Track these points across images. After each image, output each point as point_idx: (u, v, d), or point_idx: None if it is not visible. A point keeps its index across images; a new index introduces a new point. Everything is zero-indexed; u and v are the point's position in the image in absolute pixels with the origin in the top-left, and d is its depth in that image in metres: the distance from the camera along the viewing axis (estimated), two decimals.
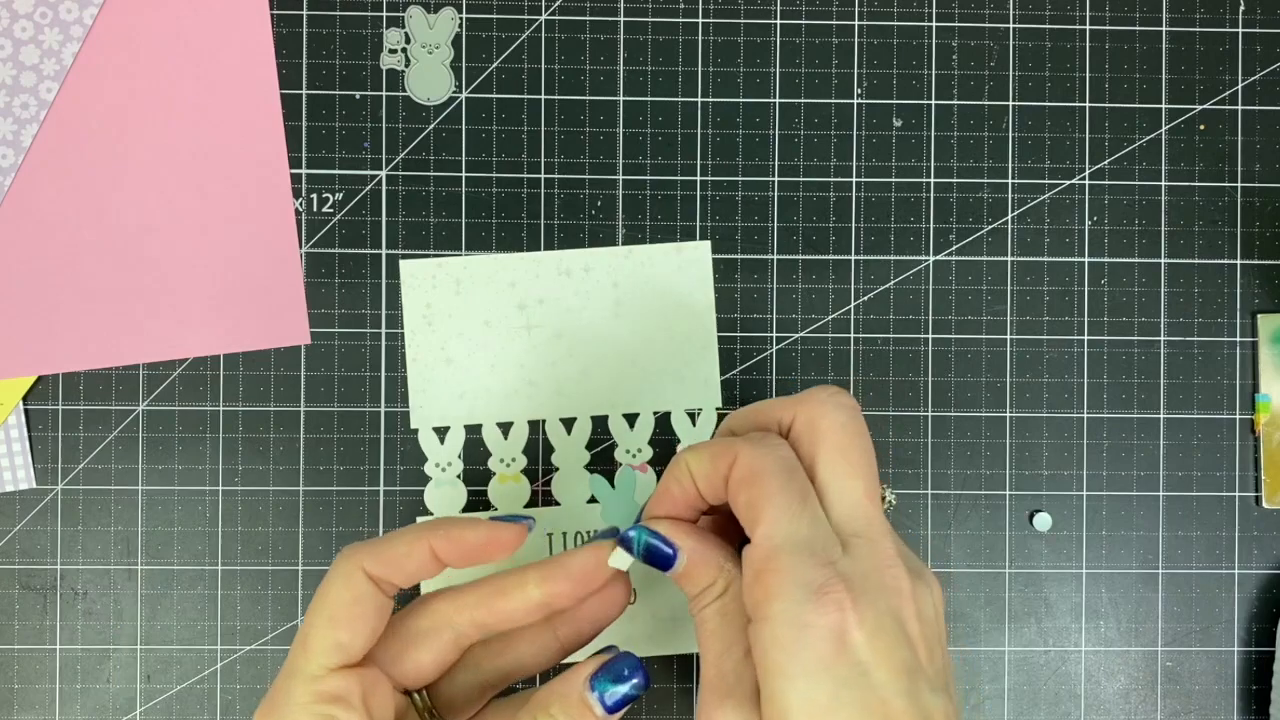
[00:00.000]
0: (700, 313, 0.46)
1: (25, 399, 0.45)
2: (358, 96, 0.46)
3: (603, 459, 0.46)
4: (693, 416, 0.46)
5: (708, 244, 0.46)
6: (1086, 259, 0.47)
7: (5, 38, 0.45)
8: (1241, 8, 0.47)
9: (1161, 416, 0.47)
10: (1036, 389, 0.46)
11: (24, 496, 0.45)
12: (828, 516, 0.35)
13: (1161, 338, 0.47)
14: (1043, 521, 0.46)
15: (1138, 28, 0.47)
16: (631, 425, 0.46)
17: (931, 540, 0.46)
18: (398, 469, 0.46)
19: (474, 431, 0.46)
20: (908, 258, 0.46)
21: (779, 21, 0.46)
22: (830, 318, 0.46)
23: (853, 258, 0.46)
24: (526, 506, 0.46)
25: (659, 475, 0.45)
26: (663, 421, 0.46)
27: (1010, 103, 0.47)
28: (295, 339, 0.46)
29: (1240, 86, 0.47)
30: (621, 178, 0.46)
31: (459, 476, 0.46)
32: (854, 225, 0.46)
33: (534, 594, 0.37)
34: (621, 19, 0.46)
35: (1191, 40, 0.47)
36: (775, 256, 0.46)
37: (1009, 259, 0.47)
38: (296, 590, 0.46)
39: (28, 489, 0.45)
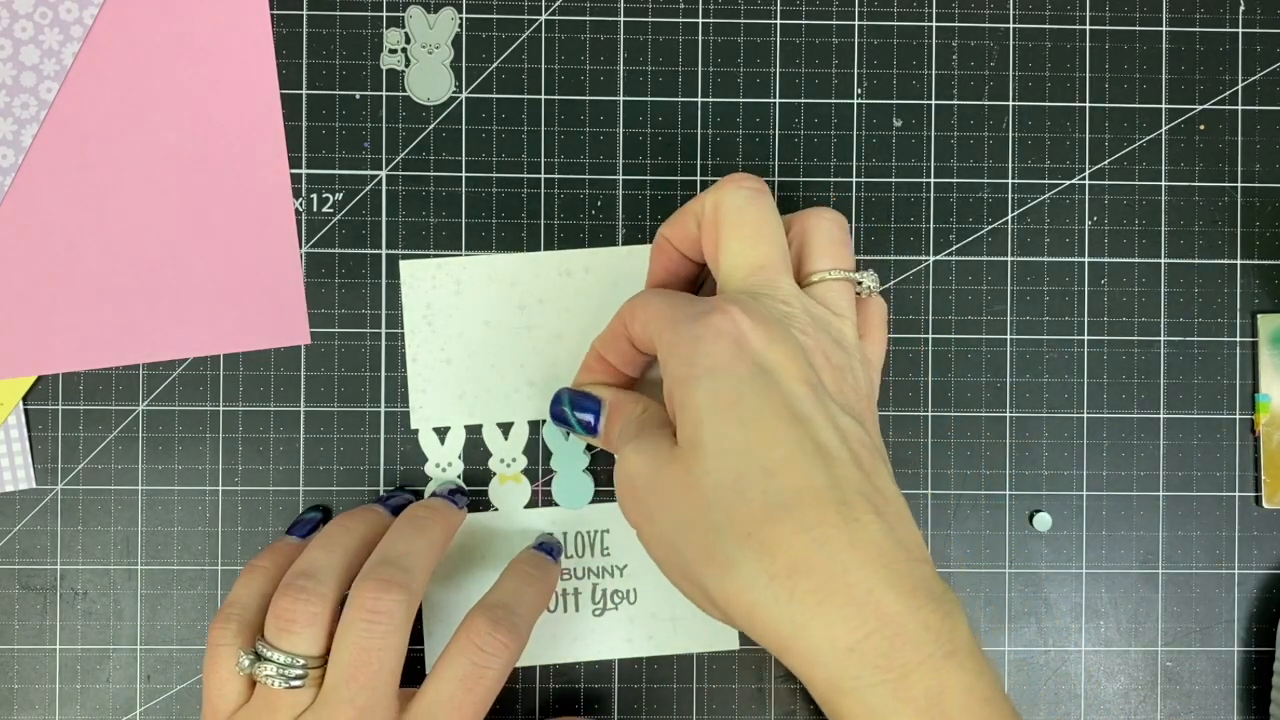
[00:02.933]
0: None
1: (25, 399, 0.45)
2: (358, 96, 0.46)
3: (602, 459, 0.46)
4: None
5: None
6: (1086, 259, 0.47)
7: (5, 38, 0.45)
8: (1241, 8, 0.47)
9: (1161, 416, 0.47)
10: (1036, 389, 0.46)
11: (24, 496, 0.45)
12: (724, 290, 0.37)
13: (1161, 338, 0.47)
14: (1043, 521, 0.46)
15: (1138, 28, 0.47)
16: None
17: (931, 540, 0.46)
18: (398, 469, 0.46)
19: (474, 432, 0.46)
20: (908, 258, 0.46)
21: (779, 21, 0.46)
22: None
23: None
24: (527, 507, 0.46)
25: None
26: None
27: (1010, 103, 0.47)
28: (295, 339, 0.46)
29: (1240, 86, 0.47)
30: (621, 178, 0.46)
31: (459, 477, 0.46)
32: (854, 225, 0.46)
33: None
34: (621, 19, 0.46)
35: (1191, 40, 0.47)
36: None
37: (1009, 259, 0.47)
38: None
39: (28, 489, 0.45)
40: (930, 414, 0.46)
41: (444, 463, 0.46)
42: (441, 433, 0.45)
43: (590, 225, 0.46)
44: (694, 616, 0.45)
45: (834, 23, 0.46)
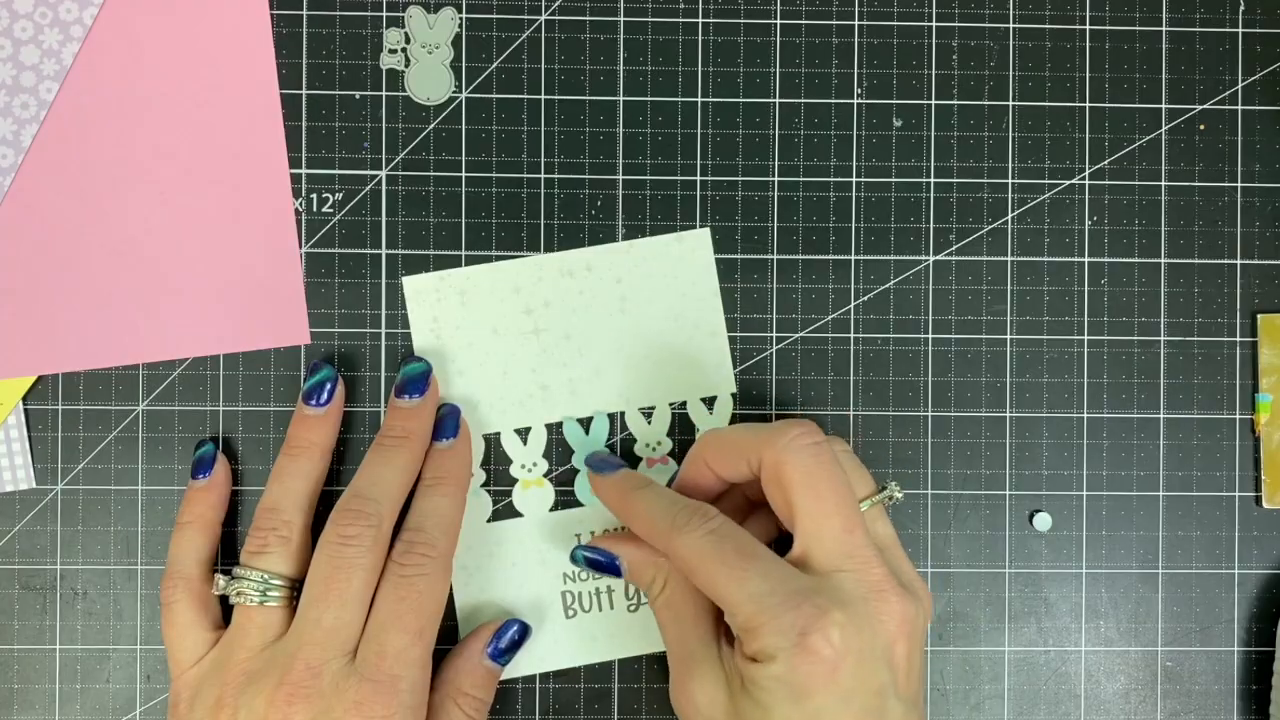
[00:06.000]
0: (706, 299, 0.46)
1: (25, 399, 0.45)
2: (358, 96, 0.46)
3: (623, 455, 0.46)
4: (709, 404, 0.46)
5: (707, 231, 0.46)
6: (1086, 259, 0.47)
7: (5, 38, 0.45)
8: (1241, 8, 0.47)
9: (1161, 416, 0.47)
10: (1036, 389, 0.46)
11: (24, 496, 0.45)
12: (811, 556, 0.38)
13: (1161, 338, 0.47)
14: (1043, 521, 0.46)
15: (1138, 28, 0.47)
16: (649, 419, 0.46)
17: (931, 540, 0.46)
18: None
19: (493, 439, 0.46)
20: (908, 258, 0.46)
21: (779, 21, 0.46)
22: (830, 318, 0.46)
23: (853, 258, 0.46)
24: (552, 510, 0.46)
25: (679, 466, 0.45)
26: (679, 413, 0.46)
27: (1010, 103, 0.47)
28: (295, 339, 0.46)
29: (1240, 86, 0.47)
30: (621, 178, 0.46)
31: (483, 486, 0.45)
32: (854, 225, 0.46)
33: None
34: (621, 19, 0.46)
35: (1191, 40, 0.47)
36: (775, 256, 0.46)
37: (1009, 259, 0.47)
38: None
39: (27, 489, 0.45)
40: (930, 414, 0.46)
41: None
42: None
43: (590, 225, 0.46)
44: None
45: (834, 23, 0.46)
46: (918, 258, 0.46)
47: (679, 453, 0.45)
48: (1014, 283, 0.47)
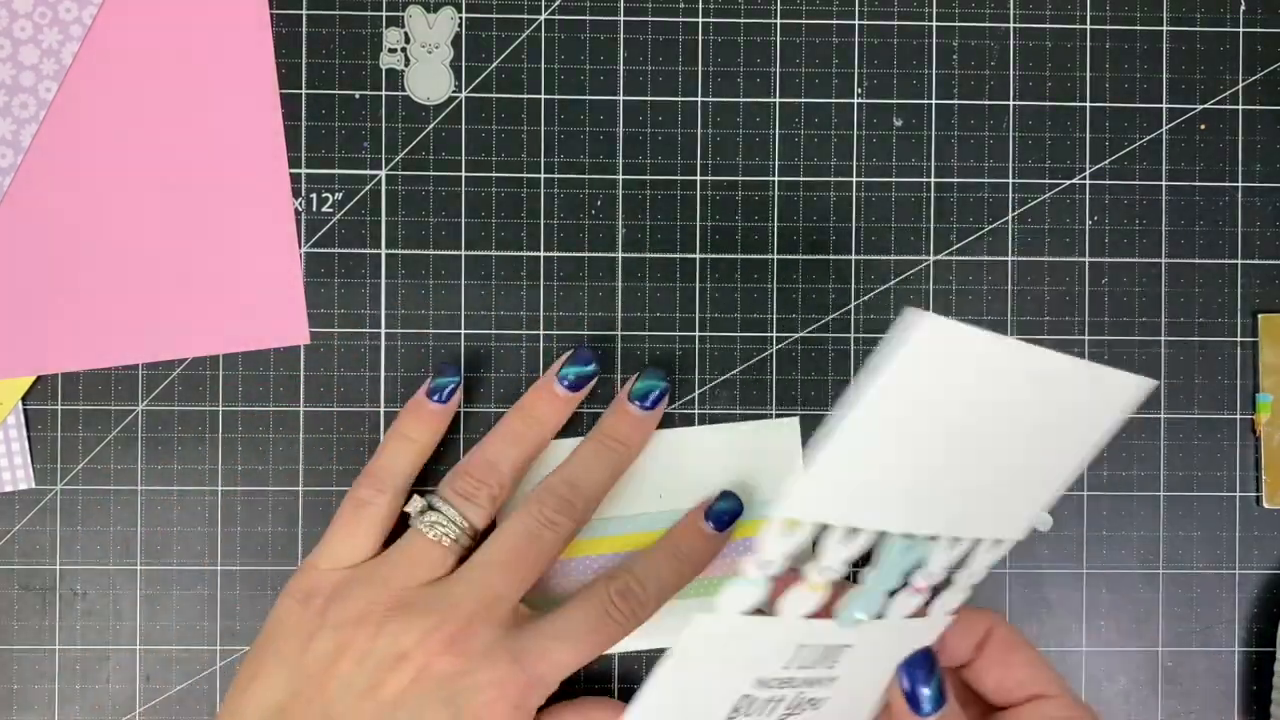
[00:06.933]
0: (1079, 446, 0.35)
1: (24, 399, 0.45)
2: (357, 96, 0.46)
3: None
4: (996, 545, 0.37)
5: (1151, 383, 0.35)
6: (1087, 259, 0.47)
7: (4, 37, 0.45)
8: (1242, 7, 0.47)
9: (1162, 416, 0.47)
10: None
11: (23, 496, 0.45)
12: (1051, 701, 0.38)
13: (1161, 338, 0.47)
14: (1043, 522, 0.46)
15: (1138, 28, 0.47)
16: (948, 549, 0.35)
17: None
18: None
19: (820, 532, 0.32)
20: (908, 258, 0.46)
21: (779, 21, 0.46)
22: (830, 318, 0.46)
23: (853, 258, 0.46)
24: (805, 617, 0.34)
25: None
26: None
27: (1010, 103, 0.47)
28: (295, 339, 0.46)
29: (1241, 86, 0.47)
30: (621, 178, 0.46)
31: (770, 578, 0.32)
32: (854, 225, 0.46)
33: None
34: (621, 19, 0.46)
35: (1192, 40, 0.47)
36: (775, 256, 0.46)
37: (1009, 259, 0.47)
38: None
39: (27, 489, 0.45)
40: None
41: (768, 560, 0.32)
42: (791, 525, 0.31)
43: (590, 225, 0.46)
44: None
45: (834, 23, 0.46)
46: (918, 258, 0.46)
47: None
48: (1014, 283, 0.46)
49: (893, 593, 0.35)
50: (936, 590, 0.36)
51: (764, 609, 0.33)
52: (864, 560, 0.33)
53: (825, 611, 0.34)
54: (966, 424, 0.32)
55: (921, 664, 0.37)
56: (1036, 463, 0.35)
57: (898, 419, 0.30)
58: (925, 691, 0.37)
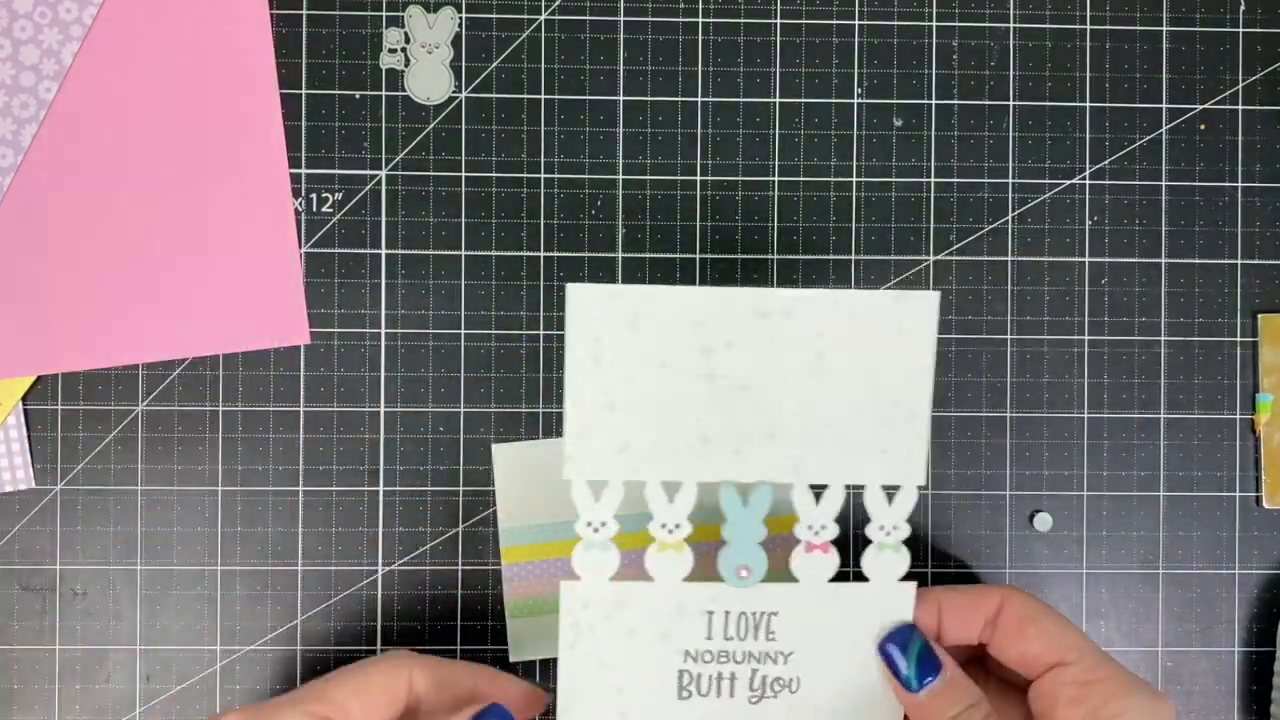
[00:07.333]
0: (915, 375, 0.38)
1: (25, 399, 0.45)
2: (357, 96, 0.46)
3: (778, 536, 0.41)
4: (890, 494, 0.39)
5: (936, 295, 0.38)
6: (1087, 259, 0.47)
7: (5, 37, 0.45)
8: (1242, 7, 0.47)
9: (1161, 416, 0.47)
10: (1036, 389, 0.46)
11: (23, 496, 0.45)
12: (1075, 666, 0.38)
13: (1161, 338, 0.47)
14: (1043, 521, 0.46)
15: (1138, 28, 0.47)
16: (818, 499, 0.39)
17: (932, 540, 0.46)
18: (397, 469, 0.46)
19: (634, 489, 0.38)
20: (908, 258, 0.46)
21: (779, 21, 0.46)
22: None
23: (853, 258, 0.46)
24: (686, 580, 0.39)
25: (840, 555, 0.40)
26: (855, 496, 0.40)
27: (1010, 103, 0.47)
28: (295, 339, 0.46)
29: (1240, 86, 0.47)
30: (621, 178, 0.46)
31: (613, 539, 0.38)
32: (854, 225, 0.46)
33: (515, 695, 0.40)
34: (621, 19, 0.46)
35: (1192, 40, 0.47)
36: (775, 256, 0.46)
37: (1009, 259, 0.47)
38: (295, 590, 0.46)
39: (27, 489, 0.45)
40: (930, 414, 0.46)
41: (597, 522, 0.38)
42: (598, 487, 0.38)
43: (590, 225, 0.46)
44: (856, 710, 0.40)
45: (834, 23, 0.46)
46: (918, 258, 0.46)
47: (842, 541, 0.40)
48: (1014, 283, 0.46)
49: (793, 552, 0.39)
50: (860, 551, 0.40)
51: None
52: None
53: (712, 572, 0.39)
54: (737, 371, 0.38)
55: (894, 639, 0.39)
56: (871, 401, 0.38)
57: (624, 376, 0.38)
58: (901, 667, 0.38)
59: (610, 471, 0.38)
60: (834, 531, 0.39)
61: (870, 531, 0.39)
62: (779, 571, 0.40)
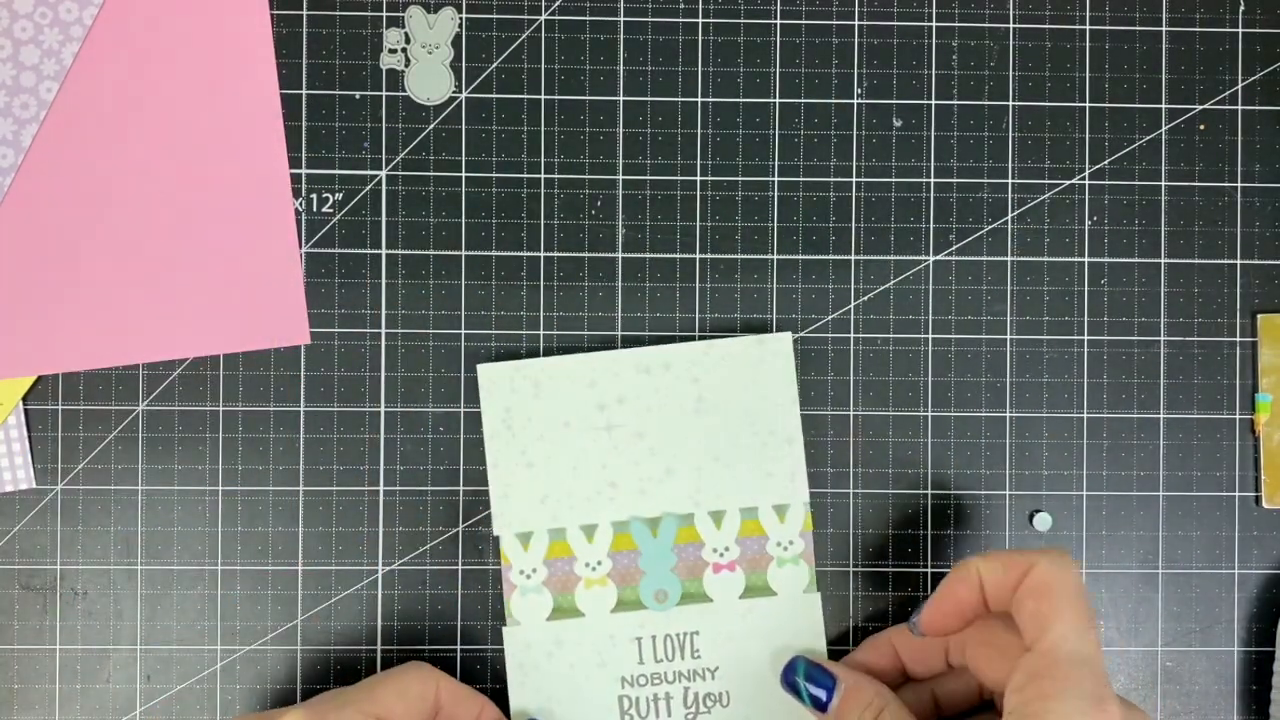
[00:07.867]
0: (783, 405, 0.45)
1: (25, 399, 0.45)
2: (358, 96, 0.46)
3: (689, 562, 0.45)
4: (780, 512, 0.45)
5: (789, 336, 0.45)
6: (1086, 259, 0.47)
7: (5, 38, 0.45)
8: (1241, 8, 0.47)
9: (1161, 416, 0.47)
10: (1036, 389, 0.46)
11: (24, 496, 0.45)
12: (1058, 648, 0.37)
13: (1161, 338, 0.47)
14: (1043, 521, 0.46)
15: (1138, 28, 0.47)
16: (718, 524, 0.45)
17: (931, 540, 0.46)
18: (397, 469, 0.46)
19: (558, 536, 0.45)
20: (908, 258, 0.46)
21: (779, 21, 0.46)
22: (830, 318, 0.46)
23: (853, 258, 0.46)
24: (614, 611, 0.45)
25: (748, 577, 0.45)
26: (749, 519, 0.45)
27: (1010, 103, 0.47)
28: (295, 339, 0.46)
29: (1240, 86, 0.47)
30: (621, 178, 0.46)
31: (544, 584, 0.45)
32: (854, 225, 0.46)
33: None
34: (621, 19, 0.46)
35: (1191, 40, 0.47)
36: (775, 256, 0.46)
37: (1009, 259, 0.47)
38: (296, 590, 0.46)
39: (28, 489, 0.45)
40: (930, 414, 0.46)
41: (529, 569, 0.45)
42: (524, 538, 0.45)
43: (590, 225, 0.46)
44: (789, 718, 0.44)
45: (834, 23, 0.46)
46: (918, 258, 0.46)
47: (747, 559, 0.45)
48: (1014, 283, 0.47)
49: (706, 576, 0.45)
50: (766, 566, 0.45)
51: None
52: None
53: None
54: (631, 421, 0.45)
55: (787, 672, 0.43)
56: (750, 432, 0.45)
57: (536, 437, 0.44)
58: (802, 693, 0.42)
59: (534, 522, 0.45)
60: (737, 552, 0.45)
61: (769, 548, 0.45)
62: (695, 594, 0.45)
